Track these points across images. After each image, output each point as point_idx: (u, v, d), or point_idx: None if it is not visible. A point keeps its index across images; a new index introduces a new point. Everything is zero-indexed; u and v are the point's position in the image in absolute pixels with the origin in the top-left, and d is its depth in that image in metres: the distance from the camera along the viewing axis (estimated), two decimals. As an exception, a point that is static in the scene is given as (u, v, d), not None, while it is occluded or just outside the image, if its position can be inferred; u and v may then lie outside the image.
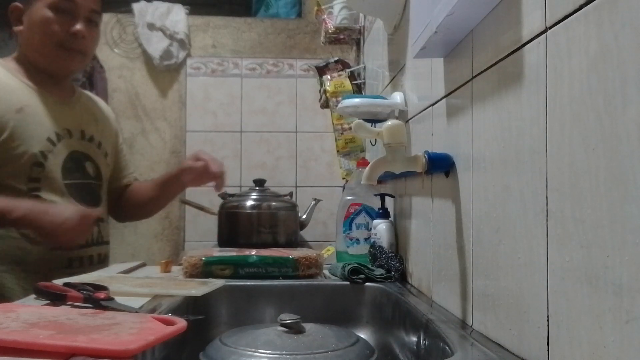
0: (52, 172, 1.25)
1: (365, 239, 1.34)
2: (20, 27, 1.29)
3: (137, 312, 0.78)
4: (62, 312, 0.72)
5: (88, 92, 1.52)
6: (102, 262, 1.35)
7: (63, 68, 1.32)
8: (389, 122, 0.85)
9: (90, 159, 1.36)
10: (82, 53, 1.31)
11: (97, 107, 1.48)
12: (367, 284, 1.09)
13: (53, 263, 1.23)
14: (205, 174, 1.38)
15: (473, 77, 0.74)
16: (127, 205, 1.52)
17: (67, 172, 1.28)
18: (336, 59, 1.84)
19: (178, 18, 2.29)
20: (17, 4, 1.29)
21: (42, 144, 1.24)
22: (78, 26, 1.27)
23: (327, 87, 1.79)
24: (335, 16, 1.86)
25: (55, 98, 1.31)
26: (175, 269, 1.27)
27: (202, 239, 2.21)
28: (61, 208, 1.20)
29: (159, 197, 1.51)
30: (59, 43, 1.27)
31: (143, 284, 1.00)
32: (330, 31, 1.87)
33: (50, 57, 1.28)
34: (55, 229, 1.15)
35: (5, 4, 1.33)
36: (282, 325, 0.79)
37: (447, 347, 0.67)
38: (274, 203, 1.95)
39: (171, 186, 1.48)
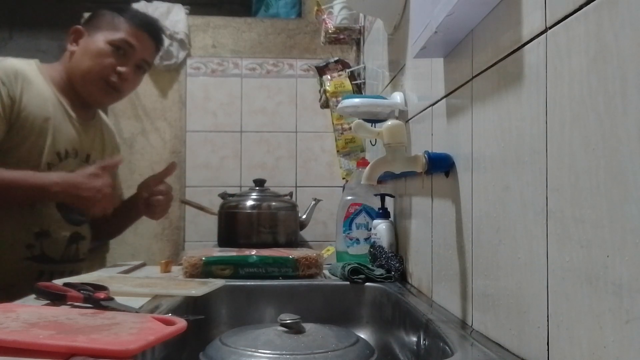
0: None
1: (365, 239, 1.34)
2: (75, 48, 1.37)
3: (137, 312, 0.78)
4: (62, 312, 0.72)
5: (105, 118, 1.56)
6: None
7: (96, 99, 1.40)
8: (389, 122, 0.85)
9: None
10: (118, 92, 1.40)
11: (108, 135, 1.53)
12: (367, 284, 1.09)
13: (22, 274, 1.25)
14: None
15: (473, 77, 0.74)
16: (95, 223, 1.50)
17: None
18: (336, 59, 1.84)
19: (178, 18, 2.29)
20: (80, 27, 1.38)
21: (51, 156, 1.29)
22: (125, 68, 1.36)
23: (327, 87, 1.79)
24: (335, 16, 1.86)
25: (76, 118, 1.37)
26: (175, 269, 1.27)
27: (202, 239, 2.21)
28: (93, 179, 1.25)
29: (118, 220, 1.53)
30: (103, 76, 1.35)
31: (143, 284, 1.00)
32: (330, 31, 1.87)
33: (89, 85, 1.36)
34: (93, 197, 1.22)
35: (6, 4, 1.34)
36: (282, 325, 0.79)
37: (447, 347, 0.67)
38: (274, 203, 1.95)
39: (129, 210, 1.49)
